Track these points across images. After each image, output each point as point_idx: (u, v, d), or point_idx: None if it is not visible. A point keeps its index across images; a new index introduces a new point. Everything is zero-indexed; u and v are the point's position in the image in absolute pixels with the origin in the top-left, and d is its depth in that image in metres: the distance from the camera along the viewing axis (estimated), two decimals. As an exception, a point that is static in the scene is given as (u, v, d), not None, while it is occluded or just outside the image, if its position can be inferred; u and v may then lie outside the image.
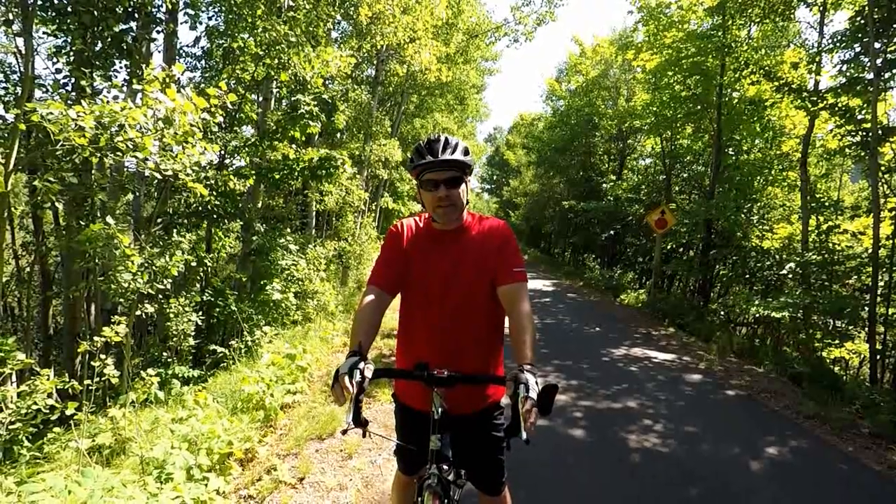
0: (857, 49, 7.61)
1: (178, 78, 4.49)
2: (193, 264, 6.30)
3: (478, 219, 1.95)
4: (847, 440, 4.63)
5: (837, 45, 8.00)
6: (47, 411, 3.43)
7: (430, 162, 1.74)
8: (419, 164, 1.76)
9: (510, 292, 1.79)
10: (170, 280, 5.16)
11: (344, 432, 1.44)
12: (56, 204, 5.13)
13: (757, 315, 8.99)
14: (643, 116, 15.28)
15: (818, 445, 4.42)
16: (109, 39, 5.57)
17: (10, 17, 6.20)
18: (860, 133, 7.45)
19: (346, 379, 1.45)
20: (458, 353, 1.85)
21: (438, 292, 1.85)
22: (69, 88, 5.48)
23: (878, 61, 6.97)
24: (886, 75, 7.02)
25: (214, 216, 6.97)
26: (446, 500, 1.62)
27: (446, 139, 1.78)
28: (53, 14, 5.39)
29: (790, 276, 9.43)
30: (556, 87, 26.45)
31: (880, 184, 7.44)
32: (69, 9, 5.30)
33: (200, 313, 6.56)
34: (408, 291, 1.93)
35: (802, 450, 4.28)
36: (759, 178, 12.12)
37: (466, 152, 1.79)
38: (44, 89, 6.11)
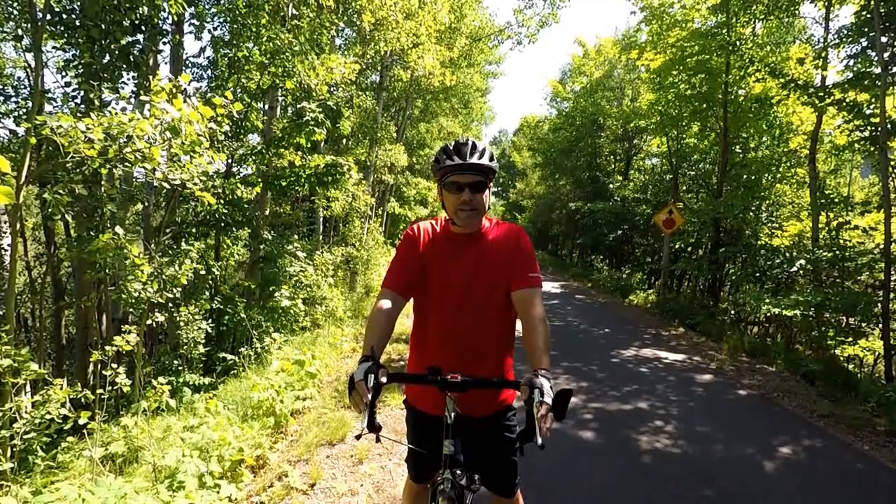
0: (864, 43, 7.54)
1: (185, 88, 4.54)
2: (202, 273, 6.34)
3: (494, 223, 1.94)
4: (862, 439, 4.57)
5: (844, 40, 7.93)
6: (61, 421, 3.45)
7: (457, 164, 1.73)
8: (445, 165, 1.75)
9: (524, 297, 1.78)
10: (179, 289, 5.20)
11: (358, 437, 1.43)
12: (66, 215, 5.17)
13: (768, 313, 8.89)
14: (649, 116, 15.24)
15: (833, 445, 4.36)
16: (117, 52, 5.63)
17: (20, 32, 6.31)
18: (869, 128, 7.38)
19: (363, 385, 1.45)
20: (471, 357, 1.84)
21: (454, 296, 1.84)
22: (78, 101, 5.54)
23: (886, 55, 6.91)
24: (894, 69, 6.95)
25: (222, 224, 7.02)
26: None
27: (474, 143, 1.77)
28: (62, 28, 5.46)
29: (801, 273, 9.34)
30: (559, 89, 26.47)
31: (891, 178, 7.35)
32: (77, 23, 5.36)
33: (210, 321, 6.60)
34: (422, 295, 1.91)
35: (817, 449, 4.23)
36: (767, 175, 12.02)
37: (492, 158, 1.78)
38: (53, 102, 6.19)
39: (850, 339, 7.69)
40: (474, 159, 1.73)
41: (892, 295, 6.73)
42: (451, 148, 1.78)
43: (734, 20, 10.88)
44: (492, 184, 1.85)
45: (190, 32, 7.80)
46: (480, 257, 1.85)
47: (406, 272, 1.87)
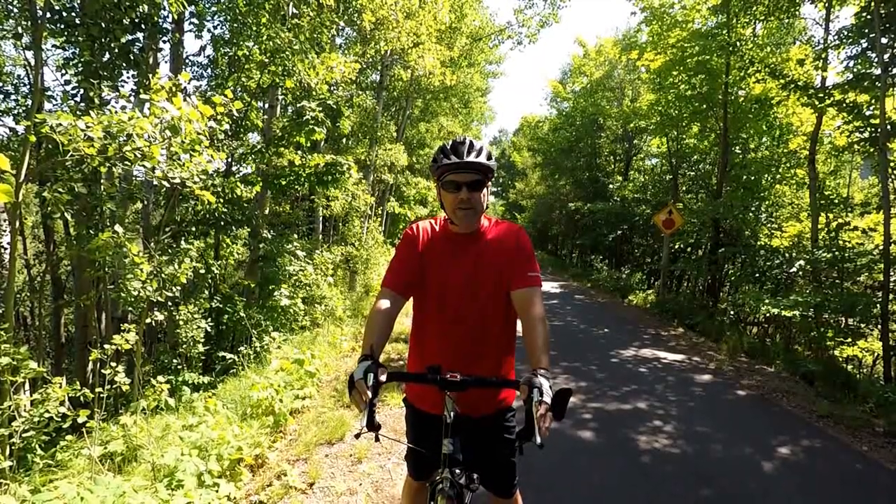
0: (864, 45, 7.55)
1: (185, 87, 4.54)
2: (202, 271, 6.34)
3: (494, 223, 1.94)
4: (861, 439, 4.57)
5: (844, 41, 7.94)
6: (60, 419, 3.44)
7: (454, 163, 1.73)
8: (443, 164, 1.74)
9: (524, 296, 1.77)
10: (179, 287, 5.19)
11: (357, 436, 1.44)
12: (66, 214, 5.16)
13: (767, 314, 8.89)
14: (649, 116, 15.23)
15: (832, 445, 4.36)
16: (117, 50, 5.63)
17: (20, 30, 6.30)
18: (869, 129, 7.38)
19: (363, 384, 1.45)
20: (471, 356, 1.84)
21: (454, 296, 1.84)
22: (78, 99, 5.54)
23: (886, 56, 6.91)
24: (894, 71, 6.96)
25: (222, 223, 7.01)
26: None
27: (471, 142, 1.77)
28: (62, 26, 5.45)
29: (800, 273, 9.35)
30: (559, 89, 26.45)
31: (890, 180, 7.36)
32: (77, 21, 5.36)
33: (209, 320, 6.60)
34: (422, 295, 1.91)
35: (816, 450, 4.23)
36: (766, 176, 12.04)
37: (490, 157, 1.77)
38: (53, 101, 6.19)
39: (849, 339, 7.70)
40: (472, 158, 1.73)
41: (891, 296, 6.73)
42: (449, 147, 1.77)
43: (734, 21, 10.88)
44: (490, 183, 1.84)
45: (190, 31, 7.81)
46: (480, 257, 1.85)
47: (405, 272, 1.87)
